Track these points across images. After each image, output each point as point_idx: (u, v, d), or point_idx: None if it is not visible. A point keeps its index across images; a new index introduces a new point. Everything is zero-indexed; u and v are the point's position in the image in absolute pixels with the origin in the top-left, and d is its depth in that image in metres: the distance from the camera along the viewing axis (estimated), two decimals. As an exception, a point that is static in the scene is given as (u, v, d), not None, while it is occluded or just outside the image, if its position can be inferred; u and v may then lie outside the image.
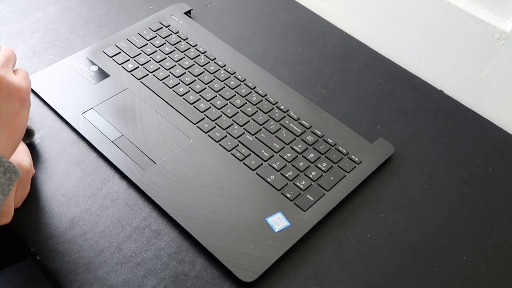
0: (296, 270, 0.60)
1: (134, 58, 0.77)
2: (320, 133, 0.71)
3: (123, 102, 0.71)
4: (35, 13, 0.83)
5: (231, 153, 0.68)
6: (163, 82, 0.75)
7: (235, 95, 0.75)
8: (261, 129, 0.71)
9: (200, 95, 0.74)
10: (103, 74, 0.75)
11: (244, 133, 0.70)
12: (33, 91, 0.72)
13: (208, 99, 0.73)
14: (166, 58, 0.78)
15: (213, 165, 0.66)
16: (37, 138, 0.67)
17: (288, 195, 0.64)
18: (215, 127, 0.70)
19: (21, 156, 0.59)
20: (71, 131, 0.68)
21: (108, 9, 0.86)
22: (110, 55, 0.77)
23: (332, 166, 0.68)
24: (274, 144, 0.69)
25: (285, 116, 0.73)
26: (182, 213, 0.61)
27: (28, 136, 0.64)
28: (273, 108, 0.74)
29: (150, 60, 0.77)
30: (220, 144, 0.69)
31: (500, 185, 0.70)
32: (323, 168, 0.68)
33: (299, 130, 0.71)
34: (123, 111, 0.70)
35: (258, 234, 0.60)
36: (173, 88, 0.74)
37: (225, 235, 0.60)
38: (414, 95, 0.80)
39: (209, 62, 0.79)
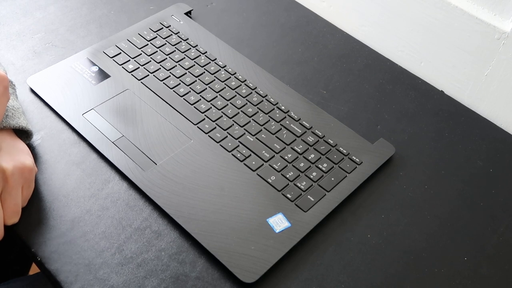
0: (297, 271, 0.60)
1: (134, 59, 0.77)
2: (320, 134, 0.71)
3: (123, 103, 0.71)
4: (35, 14, 0.83)
5: (232, 154, 0.68)
6: (163, 83, 0.75)
7: (235, 95, 0.75)
8: (261, 130, 0.71)
9: (200, 95, 0.74)
10: (103, 75, 0.74)
11: (244, 133, 0.70)
12: (33, 91, 0.72)
13: (208, 100, 0.73)
14: (166, 58, 0.78)
15: (213, 166, 0.66)
16: (37, 139, 0.67)
17: (288, 195, 0.64)
18: (215, 127, 0.70)
19: (23, 155, 0.59)
20: (72, 131, 0.68)
21: (109, 10, 0.86)
22: (111, 56, 0.77)
23: (333, 166, 0.68)
24: (275, 144, 0.69)
25: (285, 117, 0.73)
26: (182, 214, 0.61)
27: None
28: (273, 109, 0.74)
29: (150, 61, 0.77)
30: (220, 145, 0.69)
31: (501, 186, 0.70)
32: (323, 169, 0.68)
33: (300, 131, 0.71)
34: (124, 112, 0.70)
35: (258, 234, 0.60)
36: (173, 89, 0.74)
37: (225, 236, 0.60)
38: (415, 96, 0.80)
39: (210, 62, 0.79)
